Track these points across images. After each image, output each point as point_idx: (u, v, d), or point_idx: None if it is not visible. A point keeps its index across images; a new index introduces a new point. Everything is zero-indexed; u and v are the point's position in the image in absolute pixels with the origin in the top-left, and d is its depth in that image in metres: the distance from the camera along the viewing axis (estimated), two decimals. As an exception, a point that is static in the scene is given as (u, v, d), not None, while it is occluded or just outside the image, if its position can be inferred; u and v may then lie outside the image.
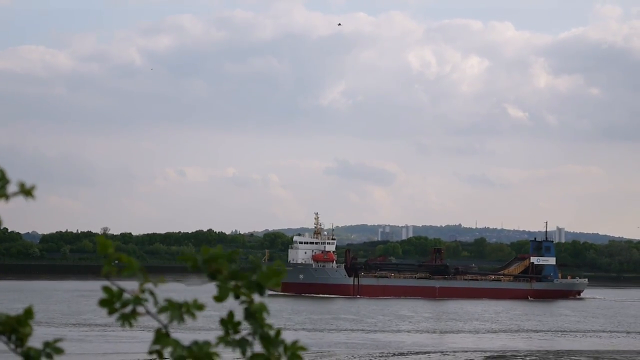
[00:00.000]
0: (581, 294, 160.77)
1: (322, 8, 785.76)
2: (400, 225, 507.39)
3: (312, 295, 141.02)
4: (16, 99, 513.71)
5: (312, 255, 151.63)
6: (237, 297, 3.37)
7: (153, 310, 3.35)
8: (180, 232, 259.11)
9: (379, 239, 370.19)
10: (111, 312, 3.35)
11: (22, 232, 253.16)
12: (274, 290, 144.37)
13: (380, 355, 63.64)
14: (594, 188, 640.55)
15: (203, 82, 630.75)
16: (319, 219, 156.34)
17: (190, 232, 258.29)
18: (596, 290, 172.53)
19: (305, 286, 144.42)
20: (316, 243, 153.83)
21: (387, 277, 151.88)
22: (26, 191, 3.35)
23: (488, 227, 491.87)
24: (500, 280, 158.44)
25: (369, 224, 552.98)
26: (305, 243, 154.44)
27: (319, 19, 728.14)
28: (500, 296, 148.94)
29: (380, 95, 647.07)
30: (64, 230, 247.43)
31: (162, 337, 3.30)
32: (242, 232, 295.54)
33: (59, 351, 3.46)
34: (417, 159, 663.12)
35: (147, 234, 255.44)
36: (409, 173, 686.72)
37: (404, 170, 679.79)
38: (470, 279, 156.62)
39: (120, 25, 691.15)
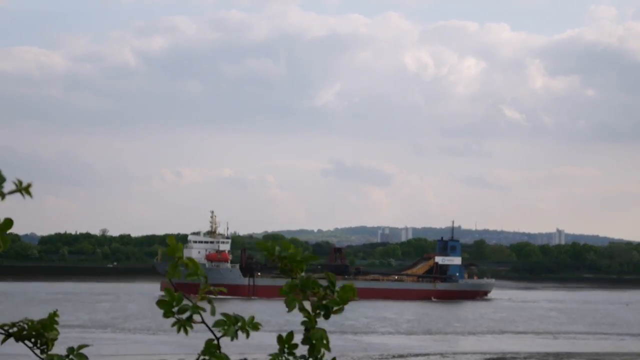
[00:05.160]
0: (488, 294, 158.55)
1: (317, 9, 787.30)
2: (400, 227, 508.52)
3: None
4: (11, 99, 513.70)
5: (206, 255, 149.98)
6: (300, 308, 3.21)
7: (209, 320, 3.20)
8: (179, 234, 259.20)
9: (379, 241, 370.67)
10: (167, 315, 3.24)
11: (21, 233, 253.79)
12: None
13: (380, 357, 63.42)
14: (592, 189, 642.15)
15: (198, 83, 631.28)
16: (215, 217, 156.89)
17: (188, 234, 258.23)
18: (505, 292, 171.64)
19: (198, 286, 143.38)
20: (211, 242, 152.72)
21: (283, 277, 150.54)
22: (23, 189, 3.20)
23: (488, 229, 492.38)
24: (403, 281, 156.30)
25: (368, 226, 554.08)
26: (199, 242, 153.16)
27: (314, 19, 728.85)
28: (403, 297, 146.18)
29: (376, 97, 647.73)
30: (62, 232, 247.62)
31: (212, 348, 3.12)
32: (241, 234, 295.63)
33: (83, 358, 3.19)
34: (414, 161, 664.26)
35: (146, 236, 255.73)
36: (406, 174, 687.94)
37: (401, 171, 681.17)
38: (372, 279, 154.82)
39: (114, 25, 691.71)
